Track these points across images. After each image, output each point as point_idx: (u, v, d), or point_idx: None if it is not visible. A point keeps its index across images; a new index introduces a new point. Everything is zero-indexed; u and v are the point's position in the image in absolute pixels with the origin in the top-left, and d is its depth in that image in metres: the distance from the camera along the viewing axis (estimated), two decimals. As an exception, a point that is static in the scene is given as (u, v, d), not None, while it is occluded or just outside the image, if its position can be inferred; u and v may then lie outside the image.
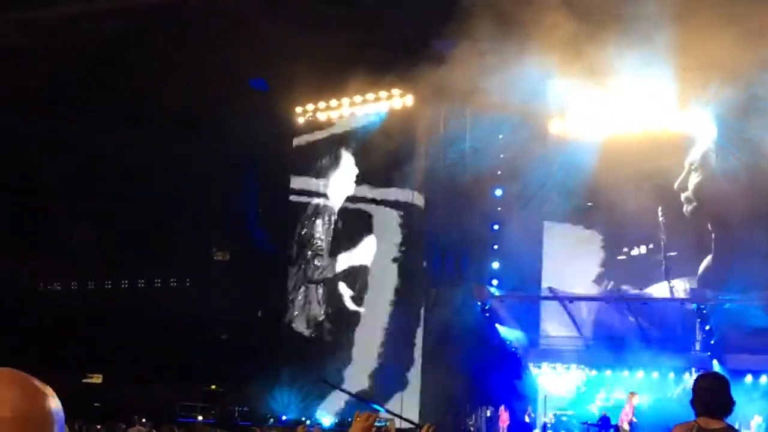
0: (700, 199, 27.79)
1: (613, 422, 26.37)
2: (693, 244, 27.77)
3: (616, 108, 29.41)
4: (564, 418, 28.74)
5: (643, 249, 28.55)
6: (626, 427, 24.35)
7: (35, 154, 33.24)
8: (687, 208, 28.34)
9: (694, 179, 28.15)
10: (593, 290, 30.10)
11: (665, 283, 28.44)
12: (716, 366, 25.93)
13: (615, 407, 27.30)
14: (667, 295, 28.86)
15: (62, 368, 32.24)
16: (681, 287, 28.21)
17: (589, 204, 29.80)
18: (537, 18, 26.29)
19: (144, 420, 24.91)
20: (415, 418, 28.28)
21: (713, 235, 27.54)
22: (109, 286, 37.98)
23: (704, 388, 6.72)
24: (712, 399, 6.62)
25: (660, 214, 28.83)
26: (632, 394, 24.85)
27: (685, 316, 28.47)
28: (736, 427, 6.73)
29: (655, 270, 28.64)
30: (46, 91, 32.49)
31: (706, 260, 27.92)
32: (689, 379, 27.39)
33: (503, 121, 30.27)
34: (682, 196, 28.47)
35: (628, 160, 27.93)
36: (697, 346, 28.21)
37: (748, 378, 27.11)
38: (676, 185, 28.60)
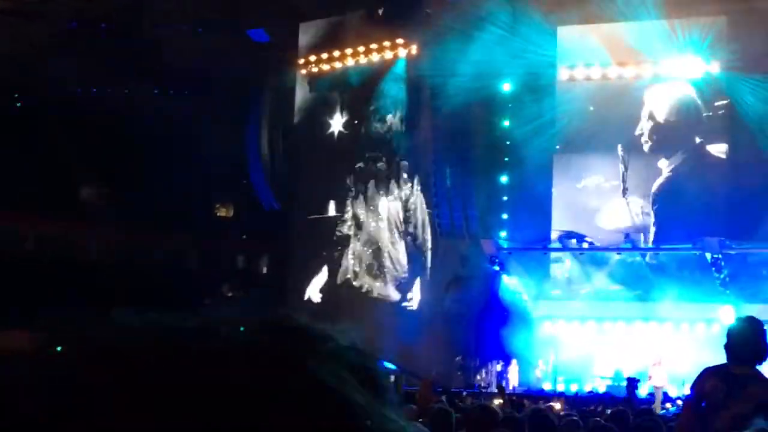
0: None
1: (625, 375, 26.08)
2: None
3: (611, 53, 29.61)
4: (581, 375, 28.40)
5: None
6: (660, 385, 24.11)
7: (38, 109, 32.68)
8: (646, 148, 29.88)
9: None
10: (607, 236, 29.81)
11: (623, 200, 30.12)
12: (732, 315, 25.45)
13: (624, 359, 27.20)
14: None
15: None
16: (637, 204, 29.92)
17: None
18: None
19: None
20: (424, 373, 27.88)
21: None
22: (114, 245, 37.40)
23: (736, 334, 6.40)
24: (744, 345, 6.31)
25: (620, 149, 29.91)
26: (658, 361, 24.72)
27: (700, 265, 28.10)
28: None
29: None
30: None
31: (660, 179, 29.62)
32: (705, 329, 27.12)
33: (511, 68, 29.81)
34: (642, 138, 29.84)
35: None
36: (713, 295, 27.75)
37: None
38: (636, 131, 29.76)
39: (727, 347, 6.36)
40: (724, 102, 28.49)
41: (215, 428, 0.82)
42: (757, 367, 6.34)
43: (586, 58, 29.96)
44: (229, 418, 0.82)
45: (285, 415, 0.84)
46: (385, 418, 0.90)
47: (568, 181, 30.59)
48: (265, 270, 37.75)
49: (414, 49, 31.88)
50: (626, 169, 29.81)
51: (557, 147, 30.53)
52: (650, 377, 25.00)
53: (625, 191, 29.92)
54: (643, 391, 25.58)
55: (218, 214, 38.92)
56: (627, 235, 29.28)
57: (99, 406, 0.81)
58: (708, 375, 6.36)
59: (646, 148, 29.68)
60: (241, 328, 0.91)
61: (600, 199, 30.18)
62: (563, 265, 30.64)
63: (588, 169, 30.37)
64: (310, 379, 0.86)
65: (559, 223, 30.34)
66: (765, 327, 6.64)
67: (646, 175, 29.73)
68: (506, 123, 31.05)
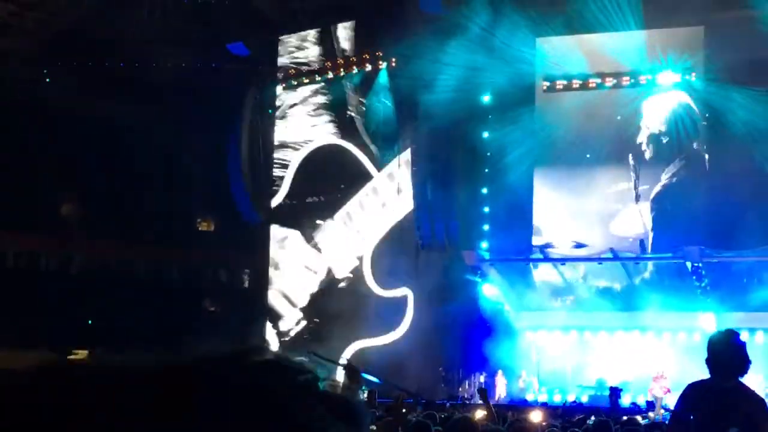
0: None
1: (608, 384, 26.13)
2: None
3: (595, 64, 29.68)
4: (563, 384, 28.42)
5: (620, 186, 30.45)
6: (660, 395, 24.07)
7: (10, 118, 32.53)
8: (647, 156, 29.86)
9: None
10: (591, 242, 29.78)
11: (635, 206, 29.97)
12: (713, 323, 25.54)
13: (609, 369, 27.21)
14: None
15: (46, 345, 31.65)
16: (646, 207, 29.80)
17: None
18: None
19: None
20: (407, 387, 27.81)
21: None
22: (94, 259, 37.19)
23: (717, 348, 6.39)
24: (726, 359, 6.31)
25: (631, 158, 29.76)
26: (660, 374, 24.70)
27: (681, 274, 28.16)
28: None
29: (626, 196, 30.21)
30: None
31: (658, 186, 29.62)
32: (687, 338, 27.19)
33: (491, 80, 29.82)
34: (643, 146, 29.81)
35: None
36: (694, 304, 27.82)
37: (744, 335, 26.68)
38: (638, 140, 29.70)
39: (708, 361, 6.37)
40: (708, 110, 28.62)
41: None
42: (740, 379, 6.35)
43: (567, 69, 30.00)
44: None
45: None
46: None
47: (573, 190, 30.48)
48: (246, 284, 37.60)
49: (393, 62, 31.90)
50: (637, 177, 29.82)
51: (578, 158, 30.47)
52: (651, 390, 25.03)
53: (637, 198, 29.90)
54: (626, 400, 25.66)
55: (199, 228, 38.71)
56: (641, 242, 29.35)
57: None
58: (694, 389, 6.38)
59: (647, 156, 29.69)
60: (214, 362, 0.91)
61: (613, 207, 30.09)
62: (549, 274, 30.58)
63: (593, 178, 30.24)
64: (281, 414, 0.85)
65: (570, 234, 30.24)
66: (743, 339, 6.68)
67: (653, 182, 29.75)
68: (486, 134, 31.09)
